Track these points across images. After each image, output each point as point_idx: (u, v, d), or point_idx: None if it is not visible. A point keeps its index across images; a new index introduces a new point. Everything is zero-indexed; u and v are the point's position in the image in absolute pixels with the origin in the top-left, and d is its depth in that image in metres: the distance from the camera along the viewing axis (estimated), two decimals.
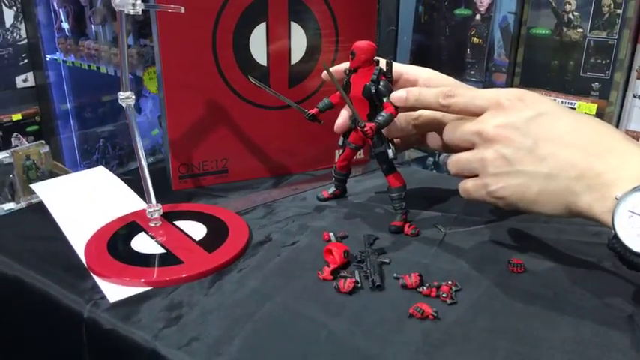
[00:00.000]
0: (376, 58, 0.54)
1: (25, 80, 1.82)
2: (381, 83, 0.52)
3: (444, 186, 0.68)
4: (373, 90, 0.52)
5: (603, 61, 0.76)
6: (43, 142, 1.73)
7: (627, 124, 0.79)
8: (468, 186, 0.48)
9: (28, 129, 1.87)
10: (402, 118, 0.56)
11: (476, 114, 0.47)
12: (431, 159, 0.94)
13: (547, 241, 0.54)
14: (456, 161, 0.48)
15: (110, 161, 1.98)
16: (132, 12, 0.46)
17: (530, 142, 0.44)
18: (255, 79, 0.58)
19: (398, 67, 0.59)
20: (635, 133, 0.80)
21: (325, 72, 0.59)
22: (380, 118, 0.52)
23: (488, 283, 0.46)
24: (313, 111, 0.57)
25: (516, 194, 0.45)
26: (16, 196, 0.73)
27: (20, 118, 1.84)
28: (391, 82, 0.54)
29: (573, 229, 0.55)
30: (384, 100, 0.52)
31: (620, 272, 0.48)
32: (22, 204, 0.66)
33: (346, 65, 0.55)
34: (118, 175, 0.70)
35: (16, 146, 1.90)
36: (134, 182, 0.62)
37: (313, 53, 0.68)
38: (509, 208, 0.47)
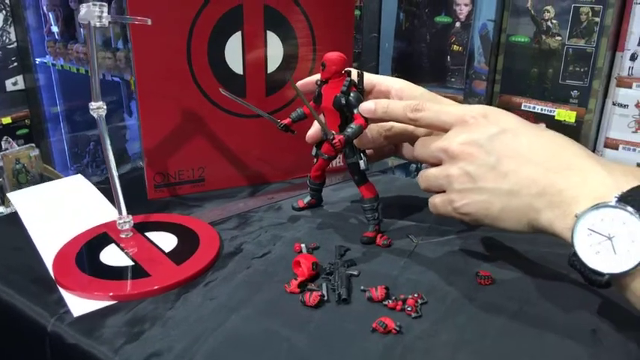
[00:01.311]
0: (348, 69, 0.54)
1: (14, 83, 1.82)
2: (352, 94, 0.52)
3: (421, 194, 0.68)
4: (343, 101, 0.52)
5: (582, 69, 0.76)
6: (33, 145, 1.73)
7: (607, 131, 0.80)
8: (436, 201, 0.48)
9: (18, 132, 1.87)
10: (373, 129, 0.56)
11: (442, 129, 0.48)
12: (414, 165, 0.94)
13: (518, 252, 0.54)
14: (425, 177, 0.49)
15: (100, 164, 1.98)
16: (98, 24, 0.46)
17: (493, 159, 0.44)
18: (227, 90, 0.58)
19: (371, 78, 0.59)
20: (614, 141, 0.80)
21: (304, 81, 0.60)
22: (349, 130, 0.51)
23: (455, 296, 0.46)
24: (286, 121, 0.57)
25: (480, 210, 0.45)
26: (5, 199, 0.73)
27: (10, 121, 1.84)
28: (362, 93, 0.54)
29: (545, 239, 0.55)
30: (355, 111, 0.52)
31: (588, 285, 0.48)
32: (12, 208, 0.66)
33: (318, 77, 0.55)
34: (97, 184, 0.70)
35: (6, 150, 1.90)
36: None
37: (290, 62, 0.68)
38: (475, 224, 0.47)
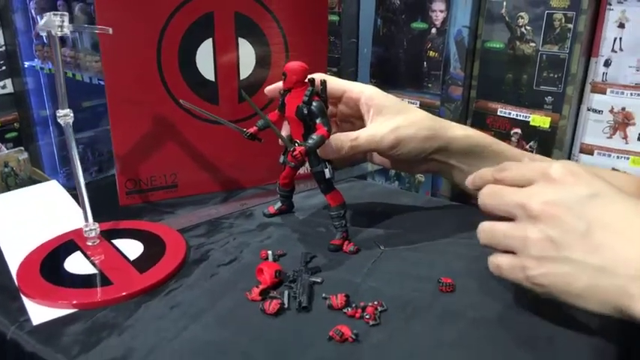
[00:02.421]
0: (312, 76, 0.54)
1: (3, 87, 1.82)
2: (314, 104, 0.52)
3: (393, 200, 0.68)
4: (305, 111, 0.52)
5: (555, 75, 0.76)
6: (22, 148, 1.73)
7: (582, 137, 0.80)
8: (502, 263, 0.42)
9: (7, 135, 1.86)
10: (337, 139, 0.54)
11: (525, 185, 0.42)
12: (392, 171, 0.94)
13: (483, 258, 0.53)
14: (489, 231, 0.42)
15: (89, 167, 1.98)
16: (59, 34, 0.46)
17: (583, 226, 0.37)
18: (187, 102, 0.59)
19: (342, 84, 0.59)
20: (589, 146, 0.80)
21: (268, 89, 0.60)
22: (310, 141, 0.52)
23: (415, 304, 0.47)
24: (252, 130, 0.57)
25: (560, 285, 0.39)
26: None
27: None
28: (325, 102, 0.54)
29: None
30: (317, 121, 0.52)
31: None
32: None
33: (281, 85, 0.55)
34: (71, 190, 0.70)
35: None
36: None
37: (263, 68, 0.68)
38: (546, 297, 0.40)
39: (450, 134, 0.57)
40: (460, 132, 0.58)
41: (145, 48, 0.62)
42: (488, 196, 0.43)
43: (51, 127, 2.02)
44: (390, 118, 0.55)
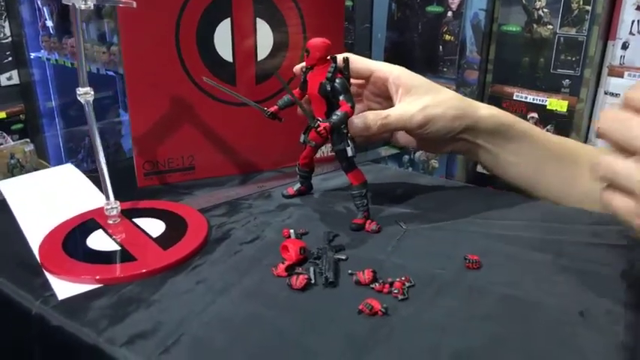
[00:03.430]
0: (334, 55, 0.53)
1: (9, 78, 1.82)
2: (337, 81, 0.52)
3: (413, 183, 0.68)
4: (328, 88, 0.52)
5: (573, 58, 0.76)
6: (28, 140, 1.73)
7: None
8: (618, 204, 0.37)
9: (13, 127, 1.86)
10: (369, 117, 0.54)
11: None
12: (406, 156, 0.94)
13: (509, 238, 0.53)
14: (610, 166, 0.37)
15: (94, 170, 1.98)
16: (83, 7, 0.46)
17: None
18: (210, 79, 0.58)
19: (369, 64, 0.59)
20: None
21: (296, 68, 0.60)
22: (334, 117, 0.51)
23: (442, 280, 0.46)
24: (272, 109, 0.57)
25: None
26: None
27: (5, 116, 1.84)
28: (348, 79, 0.54)
29: (537, 225, 0.56)
30: (340, 98, 0.52)
31: (578, 267, 0.48)
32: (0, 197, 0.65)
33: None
34: (88, 172, 0.69)
35: (1, 145, 1.90)
36: None
37: (280, 50, 0.68)
38: None
39: (477, 114, 0.57)
40: (486, 111, 0.58)
41: (164, 28, 0.61)
42: (614, 122, 0.36)
43: (57, 119, 2.01)
44: (419, 97, 0.56)
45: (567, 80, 0.78)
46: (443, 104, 0.56)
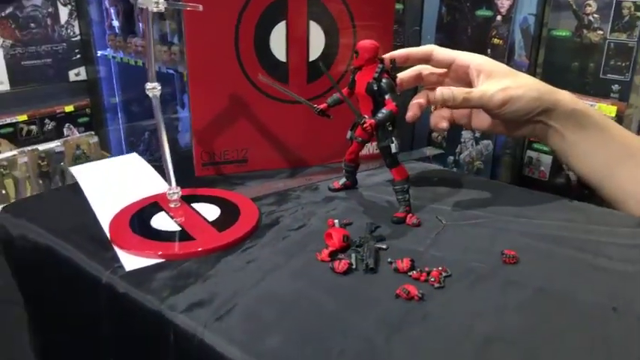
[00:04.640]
0: (382, 56, 0.56)
1: (77, 74, 1.94)
2: (383, 81, 0.55)
3: (454, 182, 0.70)
4: (375, 87, 0.55)
5: (623, 64, 0.76)
6: (93, 133, 1.86)
7: None
8: None
9: (79, 120, 1.99)
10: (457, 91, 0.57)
11: None
12: (451, 157, 0.95)
13: (548, 237, 0.55)
14: None
15: (154, 153, 2.08)
16: (155, 10, 0.51)
17: None
18: (265, 76, 0.62)
19: (450, 53, 0.62)
20: None
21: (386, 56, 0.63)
22: (380, 114, 0.54)
23: (479, 272, 0.48)
24: (322, 106, 0.60)
25: None
26: (65, 183, 0.80)
27: (72, 109, 1.96)
28: (394, 79, 0.57)
29: (577, 226, 0.57)
30: (386, 97, 0.55)
31: (615, 268, 0.49)
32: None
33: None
34: (151, 162, 0.75)
35: (68, 136, 2.03)
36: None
37: (331, 51, 0.72)
38: None
39: (557, 97, 0.59)
40: (566, 96, 0.60)
41: (224, 30, 0.66)
42: None
43: (119, 114, 2.13)
44: (500, 79, 0.58)
45: (617, 85, 0.77)
46: (524, 86, 0.59)
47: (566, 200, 0.63)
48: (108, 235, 0.55)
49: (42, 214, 0.60)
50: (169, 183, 0.59)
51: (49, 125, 1.92)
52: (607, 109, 0.79)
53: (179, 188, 0.59)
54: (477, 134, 0.94)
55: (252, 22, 0.67)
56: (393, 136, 0.57)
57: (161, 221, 0.56)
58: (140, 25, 1.84)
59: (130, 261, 0.50)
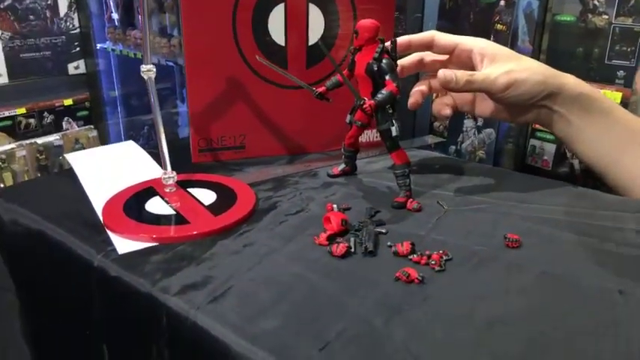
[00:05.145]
0: (381, 37, 0.55)
1: (76, 67, 1.93)
2: (384, 61, 0.54)
3: (456, 169, 0.69)
4: (375, 68, 0.54)
5: (628, 49, 0.74)
6: (92, 126, 1.84)
7: None
8: None
9: (78, 114, 1.97)
10: (459, 74, 0.56)
11: None
12: (453, 147, 0.94)
13: (552, 221, 0.53)
14: None
15: (153, 147, 2.07)
16: None
17: None
18: (263, 57, 0.61)
19: (453, 38, 0.61)
20: None
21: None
22: (379, 95, 0.53)
23: (481, 256, 0.47)
24: (321, 89, 0.59)
25: None
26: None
27: (71, 103, 1.95)
28: (395, 60, 0.55)
29: (583, 210, 0.55)
30: (386, 77, 0.53)
31: (622, 252, 0.47)
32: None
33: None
34: (149, 149, 0.74)
35: (67, 130, 2.01)
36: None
37: (330, 35, 0.70)
38: None
39: (562, 80, 0.58)
40: (573, 80, 0.58)
41: (222, 12, 0.65)
42: None
43: (119, 108, 2.12)
44: (504, 63, 0.57)
45: (622, 71, 0.76)
46: (528, 70, 0.57)
47: (570, 186, 0.62)
48: (101, 219, 0.53)
49: (34, 199, 0.59)
50: (164, 167, 0.58)
51: (48, 119, 1.91)
52: (612, 96, 0.77)
53: (174, 173, 0.58)
54: (480, 123, 0.93)
55: (249, 5, 0.65)
56: (393, 118, 0.56)
57: (156, 205, 0.55)
58: (139, 17, 1.82)
59: (123, 244, 0.49)
